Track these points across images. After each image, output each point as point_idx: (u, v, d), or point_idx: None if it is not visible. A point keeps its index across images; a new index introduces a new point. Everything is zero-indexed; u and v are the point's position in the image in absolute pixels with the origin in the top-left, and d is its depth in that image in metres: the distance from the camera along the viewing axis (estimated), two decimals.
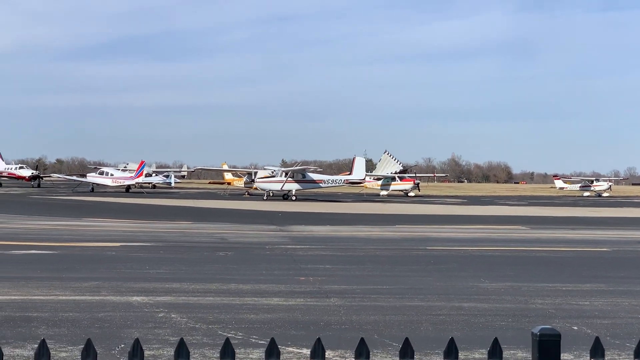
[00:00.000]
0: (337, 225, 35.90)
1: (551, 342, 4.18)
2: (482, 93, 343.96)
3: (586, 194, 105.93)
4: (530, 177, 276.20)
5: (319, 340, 4.26)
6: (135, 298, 13.58)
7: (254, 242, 25.88)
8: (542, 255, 23.16)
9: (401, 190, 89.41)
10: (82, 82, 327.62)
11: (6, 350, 9.35)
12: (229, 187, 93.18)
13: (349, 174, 76.71)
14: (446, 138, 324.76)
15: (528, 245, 26.51)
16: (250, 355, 9.54)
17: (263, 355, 9.33)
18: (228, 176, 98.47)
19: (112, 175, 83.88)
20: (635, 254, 24.57)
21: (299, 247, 24.24)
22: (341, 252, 23.16)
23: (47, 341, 4.37)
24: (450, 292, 15.14)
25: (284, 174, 72.04)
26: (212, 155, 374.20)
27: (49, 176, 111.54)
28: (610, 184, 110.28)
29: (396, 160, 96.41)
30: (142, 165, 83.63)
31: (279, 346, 4.39)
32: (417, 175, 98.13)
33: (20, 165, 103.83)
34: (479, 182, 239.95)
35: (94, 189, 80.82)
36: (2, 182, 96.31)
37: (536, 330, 4.24)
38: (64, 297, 13.54)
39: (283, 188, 70.46)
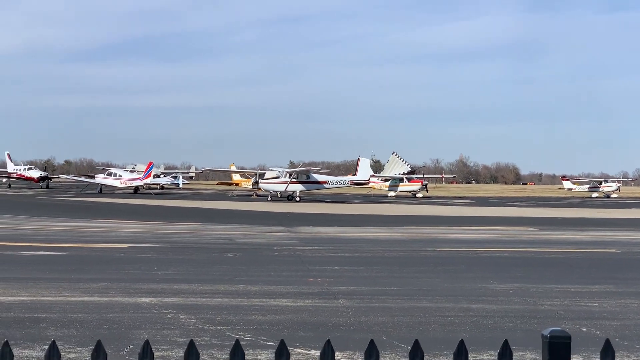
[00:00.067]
0: (345, 227, 35.89)
1: (561, 344, 4.17)
2: (490, 94, 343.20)
3: (595, 195, 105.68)
4: (538, 178, 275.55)
5: (328, 342, 4.26)
6: (143, 299, 13.60)
7: (262, 243, 25.89)
8: (551, 256, 23.10)
9: (409, 192, 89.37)
10: (90, 84, 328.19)
11: (15, 351, 9.34)
12: (237, 188, 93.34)
13: (354, 175, 76.84)
14: (454, 139, 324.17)
15: (536, 246, 26.45)
16: (259, 357, 9.54)
17: (271, 356, 9.35)
18: (236, 177, 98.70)
19: (120, 176, 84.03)
20: None
21: (307, 248, 24.24)
22: (349, 253, 23.15)
23: (56, 342, 4.37)
24: (459, 293, 15.12)
25: (288, 175, 72.14)
26: (220, 157, 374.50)
27: (58, 177, 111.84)
28: (618, 185, 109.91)
29: (404, 161, 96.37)
30: (150, 166, 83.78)
31: (287, 347, 4.38)
32: (425, 176, 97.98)
33: (29, 166, 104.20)
34: (487, 183, 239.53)
35: (102, 190, 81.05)
36: (11, 183, 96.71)
37: (546, 332, 4.23)
38: (72, 298, 13.57)
39: (287, 189, 70.59)
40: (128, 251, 22.30)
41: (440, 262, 20.98)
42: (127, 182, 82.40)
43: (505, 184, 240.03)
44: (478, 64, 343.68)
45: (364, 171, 74.91)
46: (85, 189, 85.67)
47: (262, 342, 10.37)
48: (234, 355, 4.23)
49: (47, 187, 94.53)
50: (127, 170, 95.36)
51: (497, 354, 4.39)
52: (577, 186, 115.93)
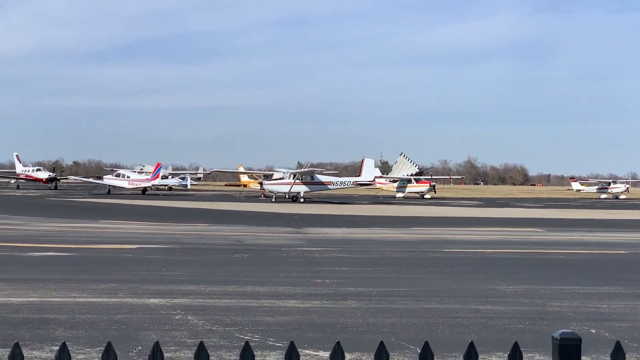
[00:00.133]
0: (353, 228, 35.88)
1: (572, 347, 4.16)
2: (498, 95, 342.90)
3: (603, 196, 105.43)
4: (546, 179, 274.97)
5: (338, 343, 4.25)
6: (152, 300, 13.62)
7: (270, 245, 25.89)
8: (559, 257, 23.06)
9: (417, 193, 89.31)
10: (98, 85, 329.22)
11: (24, 352, 9.36)
12: (245, 189, 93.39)
13: (359, 176, 76.94)
14: (462, 140, 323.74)
15: (545, 247, 26.39)
16: (267, 358, 9.54)
17: (280, 357, 9.36)
18: (244, 178, 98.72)
19: (128, 177, 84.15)
20: None
21: (315, 249, 24.23)
22: (357, 254, 23.13)
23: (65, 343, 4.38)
24: (467, 294, 15.09)
25: (292, 176, 72.19)
26: (228, 158, 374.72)
27: (66, 178, 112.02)
28: (627, 186, 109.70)
29: (412, 163, 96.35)
30: (158, 167, 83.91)
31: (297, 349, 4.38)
32: (433, 177, 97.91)
33: (37, 167, 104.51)
34: (495, 184, 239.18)
35: (111, 191, 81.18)
36: (19, 184, 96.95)
37: (557, 334, 4.22)
38: (81, 299, 13.60)
39: (291, 190, 70.69)
40: (136, 252, 22.33)
41: (449, 263, 20.95)
42: (135, 183, 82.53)
43: (514, 185, 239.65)
44: (486, 65, 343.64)
45: (368, 172, 74.99)
46: (94, 190, 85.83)
47: (270, 343, 10.37)
48: (243, 357, 4.23)
49: (56, 188, 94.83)
50: (135, 172, 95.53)
51: (507, 356, 4.37)
52: (586, 187, 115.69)
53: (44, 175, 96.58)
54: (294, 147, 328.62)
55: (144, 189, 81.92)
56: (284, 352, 4.37)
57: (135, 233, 29.85)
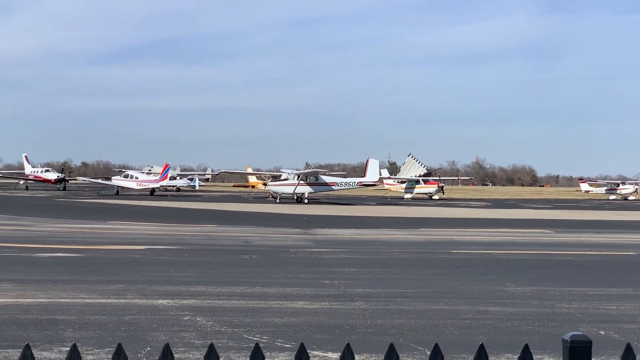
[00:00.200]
0: (361, 229, 35.87)
1: (582, 349, 4.15)
2: (506, 96, 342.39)
3: (612, 197, 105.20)
4: (555, 180, 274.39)
5: (348, 345, 4.25)
6: (160, 301, 13.63)
7: (278, 245, 25.90)
8: (568, 259, 23.01)
9: (425, 194, 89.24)
10: (107, 86, 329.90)
11: (33, 353, 9.39)
12: (253, 190, 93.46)
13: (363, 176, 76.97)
14: (470, 141, 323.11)
15: (553, 249, 26.33)
16: (276, 359, 9.54)
17: (288, 358, 9.34)
18: (252, 179, 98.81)
19: (136, 178, 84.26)
20: None
21: (323, 250, 24.23)
22: (366, 255, 23.12)
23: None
24: (476, 296, 15.07)
25: (296, 176, 72.23)
26: (237, 158, 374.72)
27: (74, 179, 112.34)
28: (636, 187, 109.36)
29: (420, 163, 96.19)
30: (166, 168, 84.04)
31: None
32: (441, 178, 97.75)
33: (46, 168, 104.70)
34: (503, 185, 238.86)
35: (119, 192, 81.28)
36: (28, 185, 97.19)
37: (567, 336, 4.21)
38: (90, 300, 13.62)
39: (295, 191, 70.74)
40: (145, 253, 22.36)
41: (457, 264, 20.93)
42: (144, 184, 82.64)
43: (522, 186, 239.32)
44: (495, 66, 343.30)
45: (373, 173, 74.99)
46: (102, 191, 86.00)
47: (279, 344, 10.36)
48: (254, 358, 4.23)
49: (64, 189, 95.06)
50: (143, 172, 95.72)
51: (516, 358, 4.36)
52: (595, 188, 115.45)
53: (52, 176, 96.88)
54: (303, 148, 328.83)
55: (152, 190, 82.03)
56: (293, 353, 4.37)
57: (144, 234, 29.89)
